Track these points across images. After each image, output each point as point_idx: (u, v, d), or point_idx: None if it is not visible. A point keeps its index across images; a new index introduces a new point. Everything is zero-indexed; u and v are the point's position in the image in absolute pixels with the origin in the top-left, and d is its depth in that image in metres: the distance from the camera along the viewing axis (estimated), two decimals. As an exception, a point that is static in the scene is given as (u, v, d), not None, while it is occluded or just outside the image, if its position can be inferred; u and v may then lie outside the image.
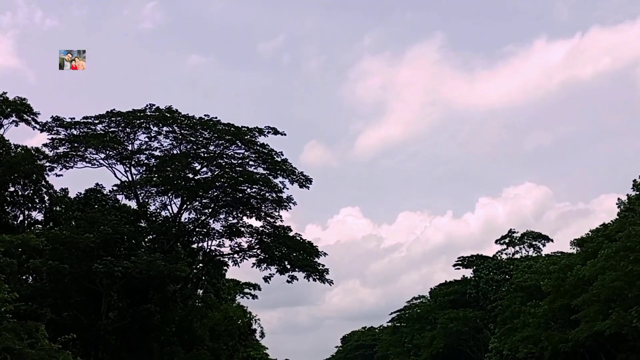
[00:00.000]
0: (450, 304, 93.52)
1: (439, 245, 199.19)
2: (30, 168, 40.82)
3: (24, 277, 36.42)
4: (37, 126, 38.71)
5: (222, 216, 43.47)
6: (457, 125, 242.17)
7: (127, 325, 38.91)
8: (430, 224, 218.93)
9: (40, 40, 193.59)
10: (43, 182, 43.84)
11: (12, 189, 42.59)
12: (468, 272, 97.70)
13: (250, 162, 42.91)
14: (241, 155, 42.48)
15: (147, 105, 39.36)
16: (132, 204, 43.45)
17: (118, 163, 43.05)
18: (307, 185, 43.87)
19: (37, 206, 45.04)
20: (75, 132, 39.85)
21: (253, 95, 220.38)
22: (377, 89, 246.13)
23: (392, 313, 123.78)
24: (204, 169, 42.59)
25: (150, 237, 41.20)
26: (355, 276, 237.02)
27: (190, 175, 42.48)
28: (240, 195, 43.72)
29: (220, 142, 41.74)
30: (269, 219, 43.95)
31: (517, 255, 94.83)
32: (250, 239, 44.17)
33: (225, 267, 56.28)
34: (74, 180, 44.57)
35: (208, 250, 44.35)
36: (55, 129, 39.20)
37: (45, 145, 40.24)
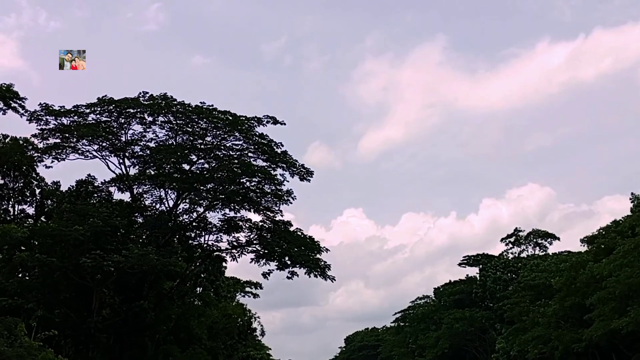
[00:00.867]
0: (455, 304, 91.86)
1: (443, 247, 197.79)
2: (19, 159, 39.18)
3: (10, 272, 34.57)
4: (25, 114, 36.89)
5: (219, 210, 41.61)
6: (459, 127, 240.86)
7: (120, 323, 37.17)
8: (434, 225, 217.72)
9: (44, 42, 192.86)
10: (33, 175, 42.26)
11: (1, 181, 41.04)
12: (473, 272, 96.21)
13: (250, 154, 41.19)
14: (239, 146, 40.75)
15: (140, 93, 37.63)
16: (126, 197, 41.78)
17: (112, 155, 41.34)
18: (308, 178, 42.02)
19: (28, 200, 43.52)
20: (65, 122, 38.05)
21: (255, 96, 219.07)
22: (380, 90, 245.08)
23: (395, 313, 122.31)
24: (201, 161, 40.79)
25: (145, 231, 39.26)
26: (359, 277, 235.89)
27: (187, 167, 40.70)
28: (239, 187, 41.94)
29: (218, 132, 40.02)
30: (268, 213, 42.13)
31: (524, 254, 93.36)
32: (249, 233, 42.37)
33: (225, 266, 54.75)
34: (66, 173, 42.99)
35: (205, 245, 42.52)
36: (44, 117, 37.40)
37: (34, 136, 38.50)
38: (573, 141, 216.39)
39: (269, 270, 41.04)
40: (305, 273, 40.22)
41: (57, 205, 40.32)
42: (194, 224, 42.38)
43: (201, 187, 41.92)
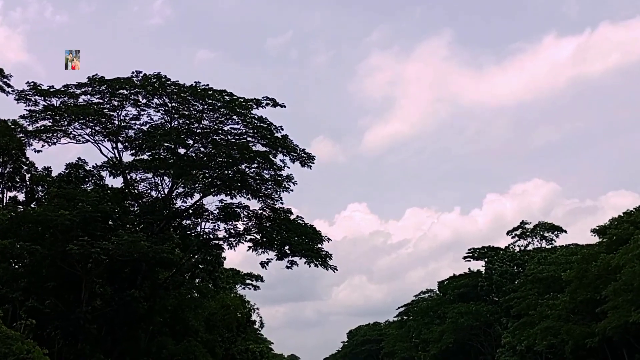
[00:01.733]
0: (460, 298, 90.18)
1: (446, 242, 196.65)
2: (7, 142, 37.48)
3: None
4: (12, 93, 35.18)
5: (216, 195, 39.79)
6: (464, 122, 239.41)
7: (111, 314, 35.45)
8: (438, 220, 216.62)
9: (51, 36, 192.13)
10: (23, 159, 40.62)
11: (-11, 165, 39.43)
12: (477, 265, 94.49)
13: (248, 139, 39.41)
14: (237, 130, 38.97)
15: (133, 72, 35.84)
16: (119, 183, 40.04)
17: (105, 140, 39.60)
18: (310, 164, 40.22)
19: (18, 186, 41.91)
20: (55, 103, 36.29)
21: (261, 90, 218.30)
22: (385, 84, 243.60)
23: (399, 307, 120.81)
24: (197, 145, 39.03)
25: (137, 218, 37.46)
26: (362, 272, 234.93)
27: (182, 151, 38.94)
28: (237, 174, 40.16)
29: (215, 115, 38.24)
30: (268, 200, 40.34)
31: (530, 247, 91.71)
32: (248, 222, 40.58)
33: (224, 256, 53.03)
34: (60, 158, 41.43)
35: (202, 233, 40.72)
36: (32, 97, 35.64)
37: (22, 117, 36.72)
38: (579, 137, 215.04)
39: (267, 259, 39.32)
40: (305, 263, 38.49)
41: (49, 191, 38.69)
42: (190, 211, 40.60)
43: (198, 173, 40.24)
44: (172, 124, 39.20)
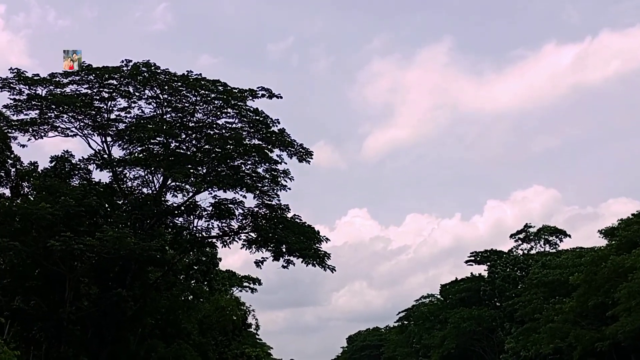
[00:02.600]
0: (461, 302, 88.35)
1: (447, 248, 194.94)
2: (-11, 132, 35.68)
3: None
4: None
5: (210, 193, 38.05)
6: (465, 128, 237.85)
7: (98, 315, 33.65)
8: (438, 226, 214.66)
9: (53, 41, 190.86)
10: (7, 153, 38.80)
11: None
12: (479, 270, 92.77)
13: (244, 133, 37.69)
14: (232, 124, 37.27)
15: (122, 61, 34.11)
16: (107, 178, 38.31)
17: (94, 134, 37.86)
18: (308, 159, 38.48)
19: (3, 181, 40.12)
20: (40, 92, 34.55)
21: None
22: (386, 91, 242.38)
23: (399, 312, 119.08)
24: (190, 138, 37.31)
25: (124, 214, 35.60)
26: (362, 277, 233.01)
27: (174, 144, 37.20)
28: (232, 171, 38.43)
29: (209, 107, 36.53)
30: (263, 197, 38.57)
31: (533, 251, 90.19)
32: (242, 219, 38.79)
33: (219, 257, 51.26)
34: (47, 153, 39.71)
35: (194, 231, 38.88)
36: (17, 86, 33.90)
37: (6, 106, 34.96)
38: (579, 143, 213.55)
39: (262, 258, 37.52)
40: (302, 262, 36.68)
41: (33, 186, 36.94)
42: (182, 208, 38.81)
43: (191, 171, 38.49)
44: (164, 117, 37.53)
